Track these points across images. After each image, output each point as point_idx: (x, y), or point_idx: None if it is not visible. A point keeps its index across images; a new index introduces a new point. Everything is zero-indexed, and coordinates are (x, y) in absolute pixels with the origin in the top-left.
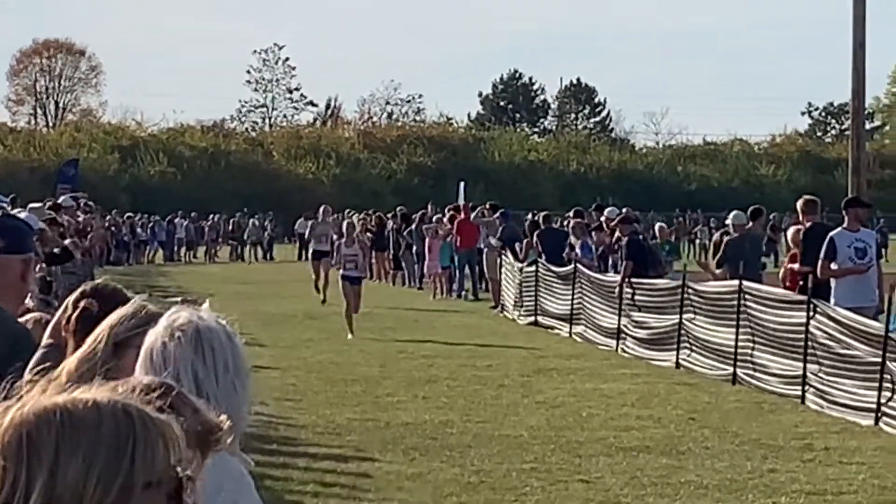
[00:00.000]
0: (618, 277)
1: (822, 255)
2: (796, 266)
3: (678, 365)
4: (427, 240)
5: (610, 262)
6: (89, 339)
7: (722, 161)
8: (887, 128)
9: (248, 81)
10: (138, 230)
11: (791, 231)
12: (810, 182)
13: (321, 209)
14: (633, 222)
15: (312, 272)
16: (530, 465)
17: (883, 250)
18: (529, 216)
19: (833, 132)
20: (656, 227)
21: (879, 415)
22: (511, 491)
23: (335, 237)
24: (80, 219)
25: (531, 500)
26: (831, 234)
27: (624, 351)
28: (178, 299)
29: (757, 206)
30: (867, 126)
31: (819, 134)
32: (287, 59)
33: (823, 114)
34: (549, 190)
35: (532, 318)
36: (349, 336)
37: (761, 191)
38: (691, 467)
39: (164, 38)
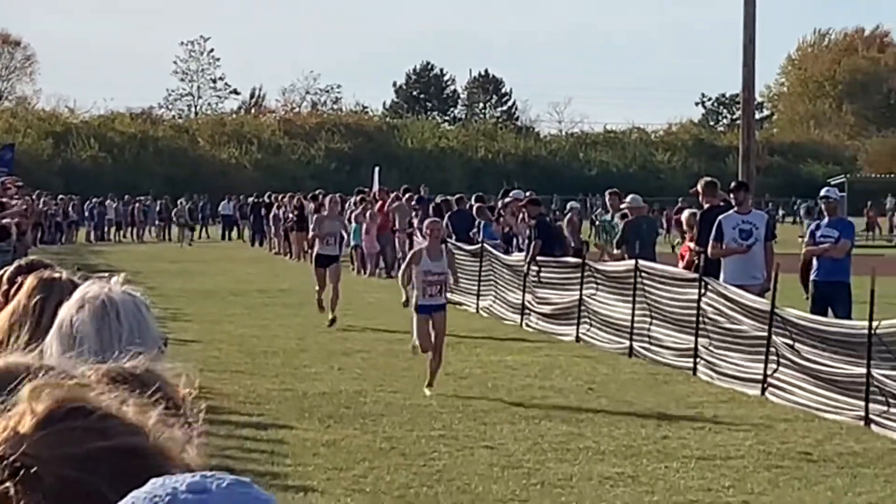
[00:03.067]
0: (521, 256)
1: (711, 236)
2: (692, 245)
3: (578, 339)
4: (365, 224)
5: (514, 242)
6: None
7: (621, 148)
8: (776, 117)
9: (175, 72)
10: (70, 211)
11: (685, 214)
12: (704, 168)
13: (328, 199)
14: (540, 204)
15: (316, 282)
16: (438, 432)
17: (773, 232)
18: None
19: (725, 121)
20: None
21: (765, 385)
22: (420, 457)
23: (345, 235)
24: (17, 202)
25: (439, 464)
26: (720, 217)
27: (528, 326)
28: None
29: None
30: (757, 116)
31: (712, 123)
32: (212, 50)
33: (716, 104)
34: (459, 175)
35: None
36: (427, 392)
37: (657, 176)
38: (589, 434)
39: (96, 29)
